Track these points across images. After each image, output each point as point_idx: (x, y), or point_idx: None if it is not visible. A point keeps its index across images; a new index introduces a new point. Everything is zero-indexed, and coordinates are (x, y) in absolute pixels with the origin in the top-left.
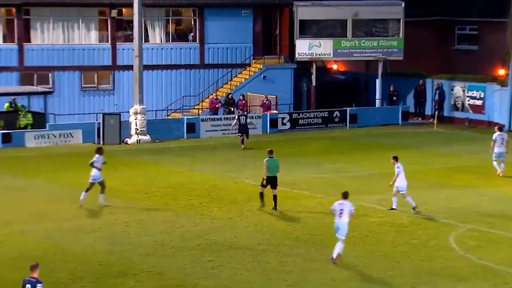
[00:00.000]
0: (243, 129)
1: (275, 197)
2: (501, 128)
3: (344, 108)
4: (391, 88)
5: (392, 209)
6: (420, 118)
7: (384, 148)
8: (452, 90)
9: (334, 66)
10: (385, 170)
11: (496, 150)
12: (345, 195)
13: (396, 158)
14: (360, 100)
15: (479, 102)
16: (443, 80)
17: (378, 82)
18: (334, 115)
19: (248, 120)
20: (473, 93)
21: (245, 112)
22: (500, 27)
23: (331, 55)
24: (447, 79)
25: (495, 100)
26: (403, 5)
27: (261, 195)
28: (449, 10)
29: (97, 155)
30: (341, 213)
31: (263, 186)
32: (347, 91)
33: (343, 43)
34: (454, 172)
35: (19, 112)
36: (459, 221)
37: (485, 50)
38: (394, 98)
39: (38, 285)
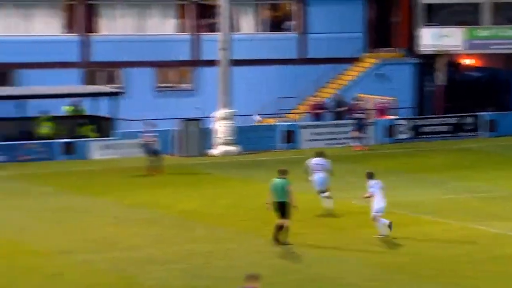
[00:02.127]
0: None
1: (281, 228)
2: None
3: (479, 113)
4: None
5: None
6: None
7: None
8: None
9: (467, 61)
10: None
11: None
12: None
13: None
14: (500, 103)
15: None
16: None
17: None
18: (466, 121)
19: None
20: None
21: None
22: None
23: (463, 48)
24: None
25: None
26: None
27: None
28: None
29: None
30: None
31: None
32: (483, 92)
33: (478, 33)
34: None
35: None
36: None
37: None
38: None
39: None
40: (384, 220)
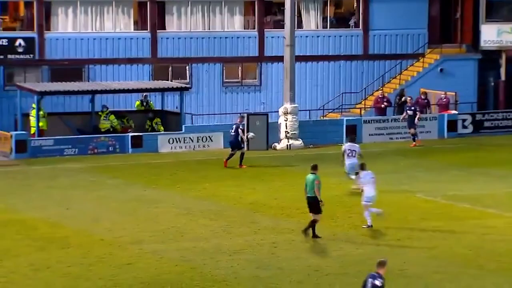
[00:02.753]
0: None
1: (313, 222)
2: None
3: None
4: None
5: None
6: None
7: None
8: None
9: None
10: None
11: None
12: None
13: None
14: None
15: None
16: None
17: None
18: None
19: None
20: None
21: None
22: None
23: None
24: None
25: None
26: None
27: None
28: None
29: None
30: None
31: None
32: None
33: None
34: None
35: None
36: None
37: None
38: None
39: (377, 280)
40: (376, 209)
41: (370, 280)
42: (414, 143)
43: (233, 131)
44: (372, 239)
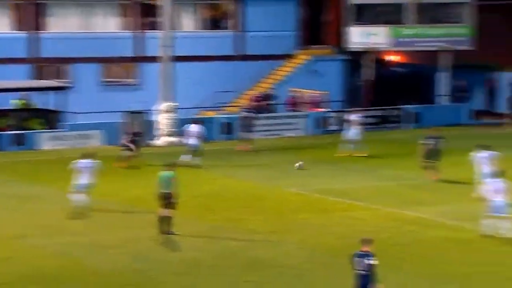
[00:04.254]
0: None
1: (166, 219)
2: None
3: (404, 106)
4: (459, 83)
5: None
6: (491, 118)
7: (451, 153)
8: None
9: (393, 58)
10: (451, 178)
11: None
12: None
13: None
14: (422, 97)
15: None
16: None
17: (443, 76)
18: (392, 114)
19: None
20: None
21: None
22: None
23: (389, 45)
24: None
25: None
26: None
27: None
28: None
29: None
30: (498, 191)
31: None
32: (407, 87)
33: (403, 31)
34: None
35: None
36: None
37: None
38: (463, 94)
39: (369, 258)
40: None
41: (359, 259)
42: (241, 146)
43: None
44: (247, 232)
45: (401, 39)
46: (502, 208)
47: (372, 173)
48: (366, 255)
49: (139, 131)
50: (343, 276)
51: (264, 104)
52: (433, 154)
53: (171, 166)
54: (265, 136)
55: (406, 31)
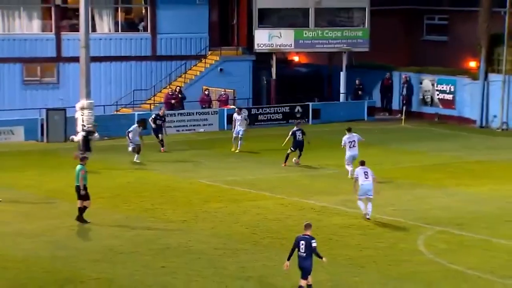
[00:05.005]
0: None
1: (83, 209)
2: None
3: (306, 103)
4: (357, 82)
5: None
6: (387, 114)
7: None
8: (421, 83)
9: (296, 58)
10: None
11: None
12: (362, 163)
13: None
14: (323, 94)
15: (449, 97)
16: (411, 73)
17: (342, 75)
18: (296, 110)
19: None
20: (442, 87)
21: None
22: (471, 17)
23: (292, 47)
24: (416, 72)
25: (466, 94)
26: None
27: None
28: None
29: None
30: (366, 177)
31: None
32: (309, 85)
33: (305, 34)
34: (423, 171)
35: None
36: (428, 223)
37: (455, 41)
38: (360, 92)
39: (313, 241)
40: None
41: (304, 242)
42: (162, 148)
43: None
44: (161, 221)
45: (303, 41)
46: (369, 191)
47: (277, 165)
48: (308, 238)
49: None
50: (252, 261)
51: (177, 102)
52: (298, 145)
53: (81, 159)
54: (179, 131)
55: (308, 33)
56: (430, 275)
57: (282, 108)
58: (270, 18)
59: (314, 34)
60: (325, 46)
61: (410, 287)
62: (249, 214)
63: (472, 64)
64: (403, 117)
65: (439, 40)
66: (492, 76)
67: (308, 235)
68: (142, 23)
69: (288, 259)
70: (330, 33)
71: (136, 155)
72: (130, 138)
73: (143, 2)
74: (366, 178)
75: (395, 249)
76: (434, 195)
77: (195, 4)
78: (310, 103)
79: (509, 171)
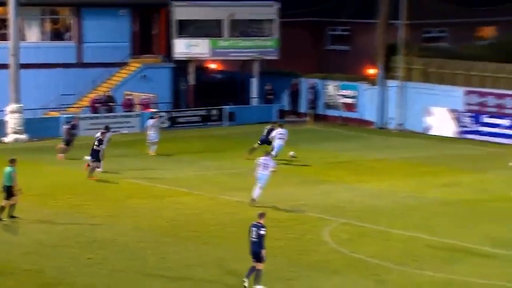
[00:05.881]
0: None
1: (9, 206)
2: None
3: (222, 107)
4: (267, 87)
5: None
6: (295, 116)
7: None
8: (325, 89)
9: (212, 66)
10: None
11: None
12: (267, 154)
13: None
14: (237, 98)
15: (351, 101)
16: (317, 80)
17: (254, 81)
18: (212, 113)
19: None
20: (345, 92)
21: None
22: (370, 28)
23: (209, 55)
24: (321, 79)
25: (366, 98)
26: (277, 6)
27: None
28: (322, 11)
29: None
30: (265, 167)
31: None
32: (224, 90)
33: (220, 43)
34: (328, 169)
35: None
36: (333, 216)
37: (357, 50)
38: (270, 96)
39: (262, 229)
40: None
41: (254, 229)
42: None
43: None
44: (87, 216)
45: (218, 50)
46: (262, 180)
47: (195, 164)
48: (259, 226)
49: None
50: (172, 252)
51: (101, 105)
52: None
53: (12, 161)
54: None
55: (222, 43)
56: (335, 263)
57: (200, 111)
58: (188, 28)
59: (228, 43)
60: (238, 54)
61: (317, 274)
62: (169, 209)
63: (372, 71)
64: (309, 120)
65: (342, 50)
66: (389, 82)
67: (260, 223)
68: (68, 33)
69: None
70: (243, 43)
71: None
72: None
73: (69, 13)
74: (264, 168)
75: (303, 240)
76: (338, 190)
77: (117, 16)
78: (226, 107)
79: (405, 168)
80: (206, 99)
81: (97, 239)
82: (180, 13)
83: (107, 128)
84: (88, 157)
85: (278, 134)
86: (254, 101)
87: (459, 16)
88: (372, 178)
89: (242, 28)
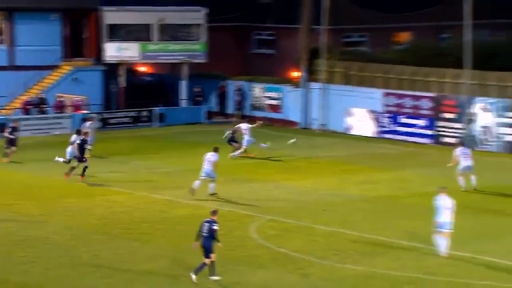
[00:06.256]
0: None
1: None
2: (463, 143)
3: (152, 108)
4: (196, 89)
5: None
6: (223, 117)
7: (190, 146)
8: (252, 91)
9: (142, 69)
10: (191, 166)
11: (464, 164)
12: (215, 149)
13: None
14: (167, 100)
15: (276, 102)
16: (244, 82)
17: (183, 83)
18: (143, 115)
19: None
20: (270, 94)
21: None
22: (294, 33)
23: (139, 58)
24: (247, 81)
25: (290, 100)
26: (204, 11)
27: None
28: (248, 16)
29: None
30: (208, 162)
31: None
32: (155, 92)
33: (150, 47)
34: (256, 167)
35: None
36: (260, 213)
37: (281, 54)
38: (199, 98)
39: (214, 224)
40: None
41: (207, 224)
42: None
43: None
44: (21, 215)
45: (148, 53)
46: (206, 174)
47: (126, 163)
48: (211, 222)
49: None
50: (103, 249)
51: (33, 107)
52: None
53: None
54: (35, 134)
55: (152, 46)
56: (261, 258)
57: (130, 112)
58: (118, 32)
59: (158, 47)
60: (167, 57)
61: (244, 268)
62: (101, 208)
63: (296, 74)
64: (236, 120)
65: (267, 53)
66: (312, 85)
67: (212, 219)
68: (1, 36)
69: (196, 240)
70: (172, 46)
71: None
72: None
73: (1, 17)
74: (208, 163)
75: (231, 236)
76: (265, 188)
77: (49, 20)
78: (156, 108)
79: (327, 167)
80: (136, 100)
81: (29, 237)
82: (110, 17)
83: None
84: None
85: (244, 130)
86: (183, 103)
87: (377, 22)
88: (297, 176)
89: (171, 32)
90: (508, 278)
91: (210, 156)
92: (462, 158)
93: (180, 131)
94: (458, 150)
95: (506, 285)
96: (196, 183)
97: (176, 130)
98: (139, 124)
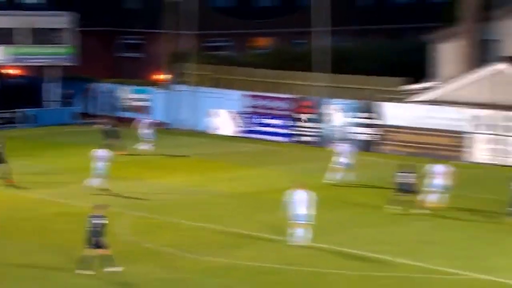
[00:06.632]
0: None
1: None
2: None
3: (23, 110)
4: (66, 91)
5: None
6: (90, 118)
7: (60, 145)
8: (120, 93)
9: (12, 71)
10: (61, 166)
11: (342, 160)
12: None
13: None
14: (38, 102)
15: (143, 103)
16: (112, 84)
17: (53, 85)
18: (14, 116)
19: None
20: (138, 96)
21: None
22: (161, 38)
23: (6, 61)
24: (116, 83)
25: (158, 101)
26: (70, 16)
27: None
28: (116, 22)
29: None
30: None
31: None
32: (25, 94)
33: (18, 50)
34: (126, 166)
35: None
36: (130, 210)
37: (149, 57)
38: (69, 100)
39: (103, 219)
40: None
41: (95, 220)
42: None
43: None
44: None
45: (16, 56)
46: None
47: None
48: (99, 216)
49: None
50: None
51: None
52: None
53: None
54: None
55: (20, 50)
56: (132, 254)
57: (3, 114)
58: None
59: (26, 50)
60: (35, 60)
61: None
62: None
63: (162, 77)
64: (106, 121)
65: (136, 57)
66: (178, 87)
67: (100, 214)
68: None
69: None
70: (40, 50)
71: None
72: None
73: None
74: (100, 160)
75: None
76: (135, 186)
77: None
78: (26, 109)
79: (194, 165)
80: (7, 102)
81: None
82: None
83: None
84: None
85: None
86: (53, 104)
87: (240, 28)
88: (166, 174)
89: (39, 36)
90: (361, 267)
91: (102, 153)
92: (342, 155)
93: (50, 132)
94: (339, 147)
95: (360, 273)
96: (93, 181)
97: (47, 131)
98: (11, 125)
